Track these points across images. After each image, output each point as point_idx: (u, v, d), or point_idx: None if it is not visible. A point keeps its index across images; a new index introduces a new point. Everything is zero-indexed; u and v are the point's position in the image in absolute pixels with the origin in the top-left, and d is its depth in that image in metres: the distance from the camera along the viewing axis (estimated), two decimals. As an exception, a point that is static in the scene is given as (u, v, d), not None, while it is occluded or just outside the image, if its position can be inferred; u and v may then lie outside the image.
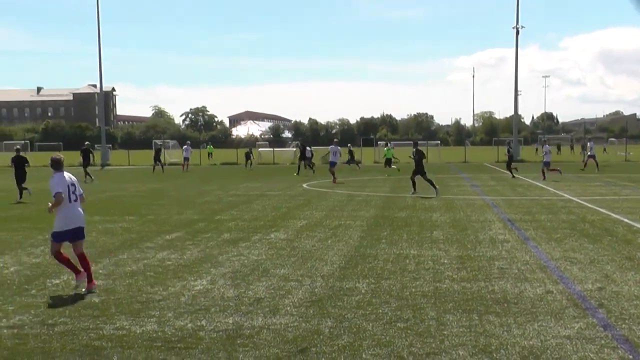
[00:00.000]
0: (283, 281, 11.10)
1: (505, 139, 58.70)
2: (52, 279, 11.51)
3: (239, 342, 7.92)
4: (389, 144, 56.98)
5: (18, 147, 32.25)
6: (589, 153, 46.59)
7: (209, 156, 77.19)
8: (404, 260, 12.87)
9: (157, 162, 50.12)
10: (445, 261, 12.70)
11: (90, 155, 41.39)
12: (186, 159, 54.80)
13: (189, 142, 59.61)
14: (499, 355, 7.36)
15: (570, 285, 10.62)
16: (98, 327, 8.61)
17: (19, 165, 26.76)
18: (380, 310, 9.22)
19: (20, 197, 26.27)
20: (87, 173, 39.28)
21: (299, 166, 45.97)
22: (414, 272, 11.73)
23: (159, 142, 63.45)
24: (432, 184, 26.56)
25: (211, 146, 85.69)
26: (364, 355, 7.38)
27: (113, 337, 8.18)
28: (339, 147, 38.59)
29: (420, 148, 27.73)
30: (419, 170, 26.74)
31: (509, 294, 10.09)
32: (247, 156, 57.49)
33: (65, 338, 8.15)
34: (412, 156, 27.38)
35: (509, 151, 39.64)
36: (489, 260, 12.68)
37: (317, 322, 8.67)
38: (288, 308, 9.40)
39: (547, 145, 37.68)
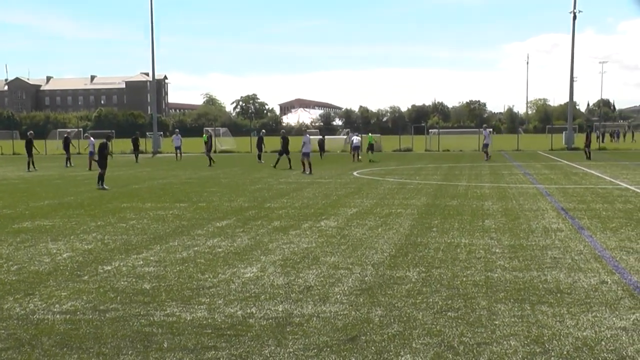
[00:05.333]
0: (333, 269, 11.06)
1: (557, 126, 57.18)
2: (104, 266, 11.61)
3: (288, 329, 7.90)
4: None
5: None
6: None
7: (205, 145, 69.02)
8: (455, 249, 12.75)
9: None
10: (497, 250, 12.55)
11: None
12: (178, 148, 54.94)
13: (177, 130, 59.81)
14: (551, 345, 7.22)
15: (626, 275, 10.40)
16: (149, 313, 8.66)
17: None
18: (431, 300, 9.13)
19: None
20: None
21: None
22: (465, 261, 11.61)
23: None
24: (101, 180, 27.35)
25: (205, 135, 75.60)
26: (414, 345, 7.31)
27: (163, 323, 8.21)
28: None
29: (108, 142, 27.82)
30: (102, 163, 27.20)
31: (562, 284, 9.92)
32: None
33: (117, 324, 8.21)
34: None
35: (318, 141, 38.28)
36: (542, 250, 12.50)
37: (367, 311, 8.61)
38: (338, 296, 9.36)
39: (307, 135, 36.02)
